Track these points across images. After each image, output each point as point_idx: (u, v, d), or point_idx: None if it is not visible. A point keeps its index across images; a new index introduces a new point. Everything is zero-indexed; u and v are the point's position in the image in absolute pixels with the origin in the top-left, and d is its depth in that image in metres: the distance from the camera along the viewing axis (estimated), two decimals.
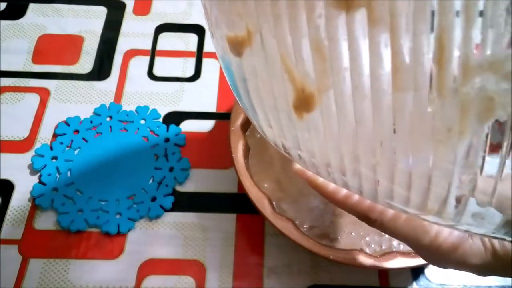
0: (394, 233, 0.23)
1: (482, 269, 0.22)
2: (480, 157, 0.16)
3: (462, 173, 0.17)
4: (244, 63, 0.20)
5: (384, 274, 0.38)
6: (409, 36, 0.15)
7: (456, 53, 0.14)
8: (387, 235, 0.35)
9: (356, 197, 0.24)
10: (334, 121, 0.18)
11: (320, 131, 0.19)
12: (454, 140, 0.16)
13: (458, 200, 0.18)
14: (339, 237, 0.36)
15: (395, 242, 0.35)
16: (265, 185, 0.38)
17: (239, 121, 0.38)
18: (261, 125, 0.23)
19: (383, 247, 0.35)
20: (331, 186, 0.25)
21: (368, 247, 0.36)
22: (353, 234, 0.36)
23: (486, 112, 0.15)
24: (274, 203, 0.35)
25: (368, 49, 0.16)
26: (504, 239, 0.20)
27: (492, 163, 0.16)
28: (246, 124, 0.39)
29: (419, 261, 0.33)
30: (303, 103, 0.19)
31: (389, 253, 0.34)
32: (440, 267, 0.24)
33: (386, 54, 0.15)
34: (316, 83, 0.18)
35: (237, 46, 0.20)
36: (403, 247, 0.35)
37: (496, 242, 0.22)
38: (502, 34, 0.14)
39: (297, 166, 0.25)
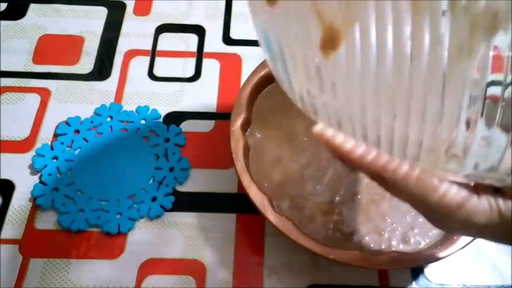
0: (406, 192, 0.24)
1: (487, 230, 0.23)
2: (488, 74, 0.18)
3: (473, 90, 0.19)
4: (275, 11, 0.22)
5: (384, 274, 0.38)
6: None
7: None
8: (386, 235, 0.35)
9: (371, 156, 0.25)
10: (358, 59, 0.20)
11: (344, 71, 0.21)
12: (464, 60, 0.18)
13: (468, 124, 0.19)
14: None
15: (394, 242, 0.36)
16: (265, 185, 0.38)
17: (239, 121, 0.38)
18: (290, 73, 0.25)
19: (383, 247, 0.35)
20: (348, 145, 0.25)
21: (367, 247, 0.36)
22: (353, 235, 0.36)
23: (492, 26, 0.17)
24: (274, 203, 0.35)
25: None
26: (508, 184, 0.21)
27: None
28: (246, 124, 0.39)
29: (418, 261, 0.33)
30: (330, 40, 0.20)
31: (389, 253, 0.34)
32: (446, 228, 0.25)
33: None
34: (341, 17, 0.20)
35: None
36: (402, 246, 0.35)
37: (501, 203, 0.22)
38: None
39: (317, 128, 0.26)
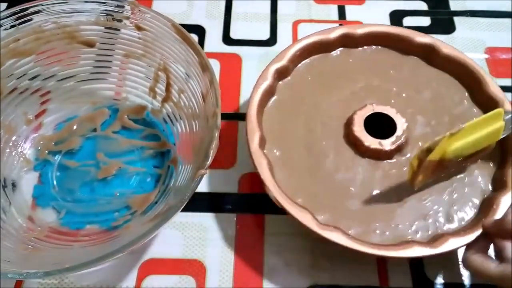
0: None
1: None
2: None
3: None
4: None
5: (383, 274, 0.38)
6: None
7: None
8: (430, 219, 0.36)
9: None
10: None
11: None
12: None
13: None
14: (386, 233, 0.35)
15: (439, 223, 0.36)
16: (299, 200, 0.36)
17: (256, 141, 0.37)
18: None
19: (429, 232, 0.35)
20: None
21: (415, 235, 0.35)
22: (400, 226, 0.36)
23: None
24: (315, 216, 0.35)
25: None
26: None
27: None
28: (262, 142, 0.38)
29: (470, 238, 0.33)
30: None
31: (440, 237, 0.34)
32: None
33: None
34: None
35: None
36: (448, 226, 0.35)
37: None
38: None
39: None
